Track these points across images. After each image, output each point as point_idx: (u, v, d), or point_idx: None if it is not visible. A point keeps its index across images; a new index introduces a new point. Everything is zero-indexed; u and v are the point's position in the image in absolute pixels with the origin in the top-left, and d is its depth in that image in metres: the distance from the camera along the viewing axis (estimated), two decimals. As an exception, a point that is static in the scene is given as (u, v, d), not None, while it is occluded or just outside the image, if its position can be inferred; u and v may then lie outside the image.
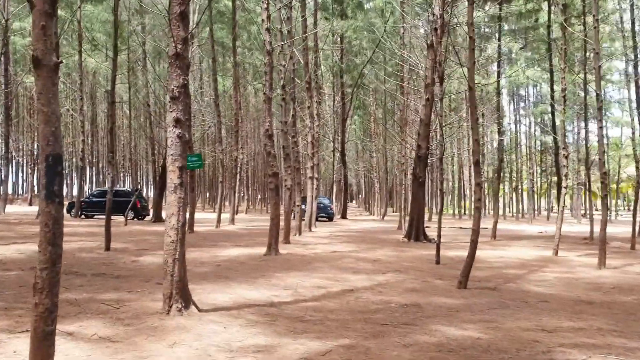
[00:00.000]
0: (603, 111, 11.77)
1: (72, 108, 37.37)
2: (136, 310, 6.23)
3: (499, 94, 22.19)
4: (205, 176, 51.26)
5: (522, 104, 48.80)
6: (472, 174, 28.98)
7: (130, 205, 22.39)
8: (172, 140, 6.07)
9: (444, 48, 16.43)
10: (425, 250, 14.66)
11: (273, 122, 12.58)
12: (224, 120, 29.99)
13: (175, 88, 6.05)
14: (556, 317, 6.51)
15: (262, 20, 12.44)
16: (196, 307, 6.20)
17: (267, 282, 8.61)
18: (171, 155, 6.07)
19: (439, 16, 17.17)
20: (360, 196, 69.04)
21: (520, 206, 47.25)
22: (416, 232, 17.38)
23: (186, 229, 17.82)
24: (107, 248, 12.07)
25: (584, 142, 38.96)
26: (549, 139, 40.96)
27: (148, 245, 13.73)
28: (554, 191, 47.93)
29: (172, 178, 6.07)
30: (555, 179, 44.67)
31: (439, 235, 11.90)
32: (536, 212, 46.55)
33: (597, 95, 11.92)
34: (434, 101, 18.19)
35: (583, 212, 42.03)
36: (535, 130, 44.85)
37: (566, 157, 14.79)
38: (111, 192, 12.87)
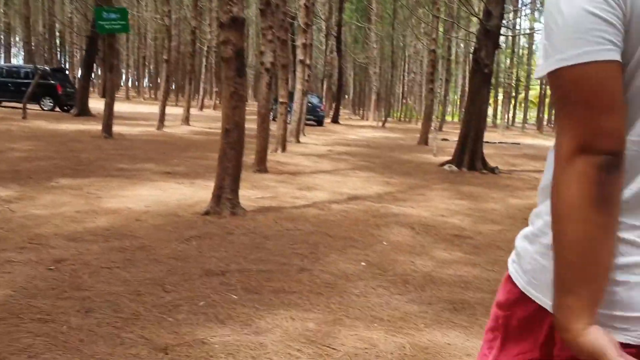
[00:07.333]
0: None
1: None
2: None
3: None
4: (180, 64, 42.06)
5: None
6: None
7: (30, 88, 14.91)
8: None
9: None
10: (507, 194, 8.19)
11: None
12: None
13: None
14: None
15: None
16: None
17: None
18: None
19: None
20: (346, 96, 60.19)
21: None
22: (471, 156, 10.76)
23: (101, 132, 10.94)
24: None
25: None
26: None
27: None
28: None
29: None
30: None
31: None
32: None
33: None
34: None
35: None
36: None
37: None
38: None
